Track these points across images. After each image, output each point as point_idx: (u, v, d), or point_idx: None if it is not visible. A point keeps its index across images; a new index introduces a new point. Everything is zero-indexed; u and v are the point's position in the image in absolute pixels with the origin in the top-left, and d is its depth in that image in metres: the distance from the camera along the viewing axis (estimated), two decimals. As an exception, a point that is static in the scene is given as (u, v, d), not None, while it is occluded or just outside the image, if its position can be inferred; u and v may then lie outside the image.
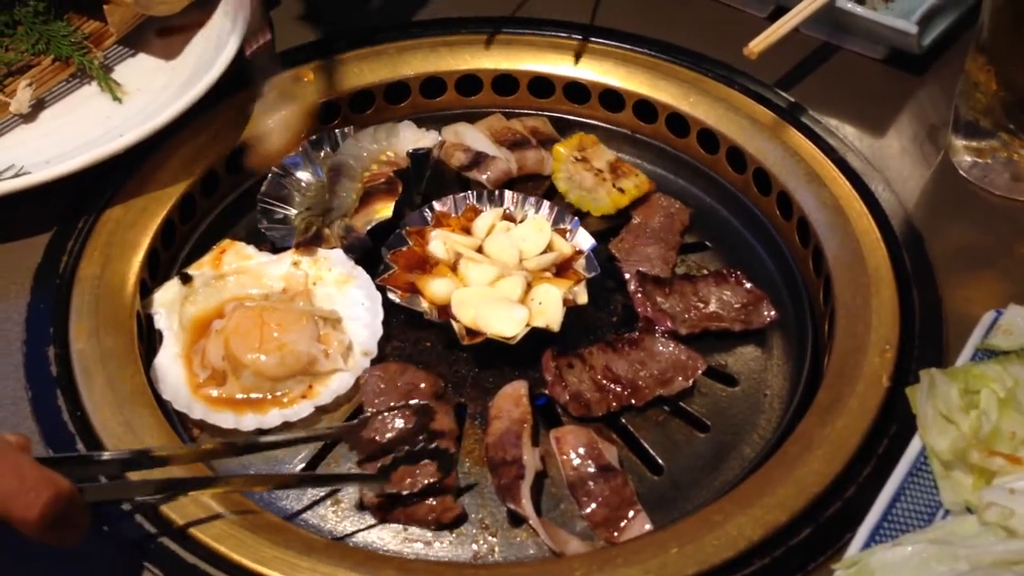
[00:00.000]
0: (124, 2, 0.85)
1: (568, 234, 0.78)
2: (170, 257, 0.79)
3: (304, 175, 0.84)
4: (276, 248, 0.79)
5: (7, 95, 0.83)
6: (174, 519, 0.59)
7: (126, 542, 0.58)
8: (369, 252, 0.78)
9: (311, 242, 0.78)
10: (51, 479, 0.50)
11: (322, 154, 0.85)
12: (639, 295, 0.75)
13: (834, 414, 0.64)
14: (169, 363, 0.72)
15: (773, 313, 0.75)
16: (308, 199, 0.83)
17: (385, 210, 0.79)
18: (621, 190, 0.82)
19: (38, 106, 0.84)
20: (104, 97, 0.86)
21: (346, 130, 0.85)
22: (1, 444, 0.50)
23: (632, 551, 0.58)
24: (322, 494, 0.65)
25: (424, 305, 0.73)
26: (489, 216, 0.79)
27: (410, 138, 0.84)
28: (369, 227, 0.78)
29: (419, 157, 0.81)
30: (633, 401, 0.69)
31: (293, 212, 0.82)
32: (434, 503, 0.63)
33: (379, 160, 0.82)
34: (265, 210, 0.81)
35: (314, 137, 0.85)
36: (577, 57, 0.92)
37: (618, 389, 0.70)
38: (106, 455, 0.59)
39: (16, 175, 0.75)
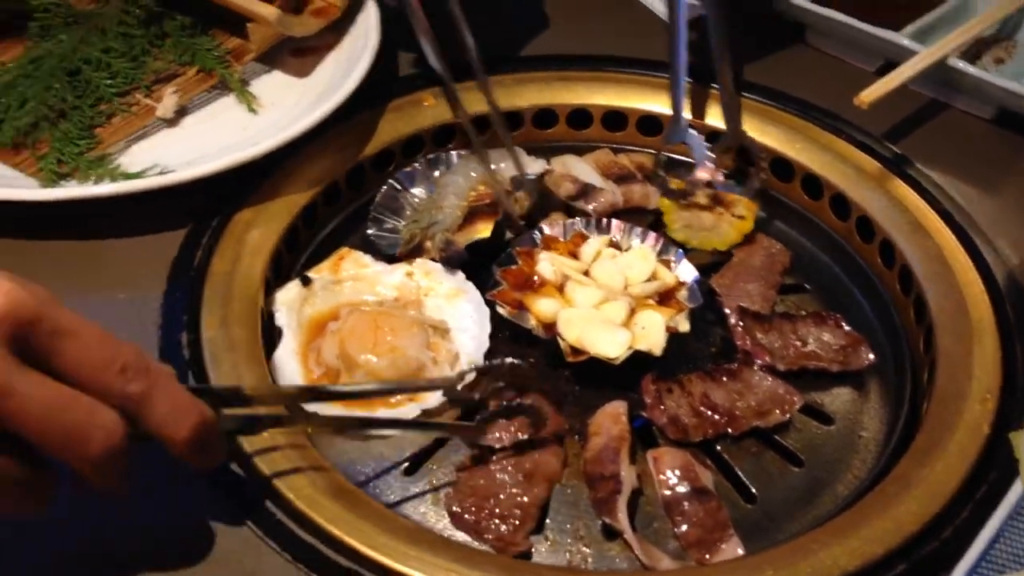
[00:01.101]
0: (265, 22, 0.91)
1: (672, 265, 0.80)
2: (292, 260, 0.84)
3: (418, 190, 0.88)
4: (384, 255, 0.83)
5: (154, 100, 0.88)
6: (291, 498, 0.62)
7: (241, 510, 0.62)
8: (467, 266, 0.81)
9: (412, 252, 0.82)
10: (198, 405, 0.55)
11: (437, 172, 0.89)
12: (739, 328, 0.77)
13: (932, 457, 0.65)
14: (287, 358, 0.75)
15: (872, 356, 0.76)
16: (418, 213, 0.87)
17: (485, 229, 0.82)
18: (741, 217, 0.85)
19: (181, 112, 0.89)
20: (240, 108, 0.91)
21: (461, 152, 0.90)
22: (156, 370, 0.54)
23: (725, 572, 0.60)
24: (425, 488, 0.68)
25: (532, 322, 0.76)
26: (596, 242, 0.82)
27: (517, 164, 0.88)
28: (468, 243, 0.82)
29: (524, 183, 0.85)
30: (729, 430, 0.71)
31: (401, 223, 0.86)
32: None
33: (486, 182, 0.86)
34: (376, 219, 0.86)
35: (432, 156, 0.89)
36: (687, 98, 0.95)
37: (715, 417, 0.71)
38: (247, 390, 0.62)
39: (160, 173, 0.80)
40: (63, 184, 0.80)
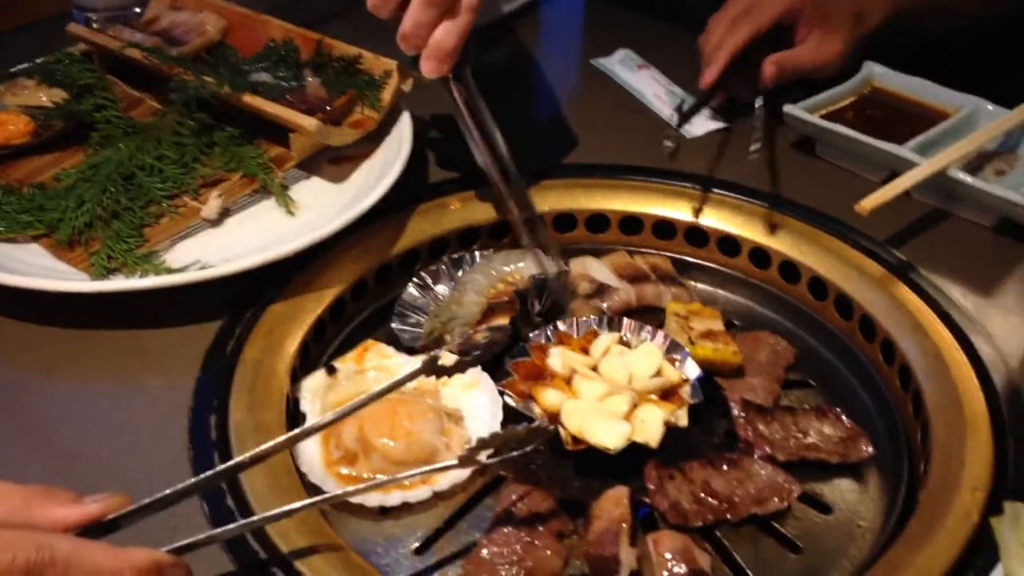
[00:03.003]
0: (307, 132, 0.98)
1: (677, 363, 0.84)
2: (320, 351, 0.89)
3: (441, 288, 0.94)
4: (404, 348, 0.88)
5: (200, 202, 0.96)
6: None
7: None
8: (488, 362, 0.85)
9: (432, 345, 0.87)
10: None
11: (460, 272, 0.95)
12: (741, 419, 0.80)
13: (923, 543, 0.67)
14: (309, 441, 0.80)
15: (871, 449, 0.79)
16: (440, 309, 0.92)
17: (503, 325, 0.87)
18: (691, 341, 0.85)
19: (224, 214, 0.97)
20: (279, 211, 0.98)
21: (485, 252, 0.95)
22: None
23: (716, 651, 0.62)
24: (435, 568, 0.72)
25: (537, 411, 0.80)
26: (606, 339, 0.86)
27: (535, 264, 0.93)
28: (484, 338, 0.86)
29: (540, 282, 0.90)
30: (729, 516, 0.74)
31: (424, 318, 0.92)
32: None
33: (505, 280, 0.92)
34: (401, 314, 0.92)
35: (456, 256, 0.95)
36: (699, 204, 1.00)
37: (715, 503, 0.74)
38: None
39: (201, 268, 0.87)
40: (111, 278, 0.87)
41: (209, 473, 0.66)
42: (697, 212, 1.00)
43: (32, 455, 0.75)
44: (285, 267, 0.89)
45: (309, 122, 0.98)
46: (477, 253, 0.96)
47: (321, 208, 0.99)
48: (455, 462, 0.67)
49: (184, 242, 0.94)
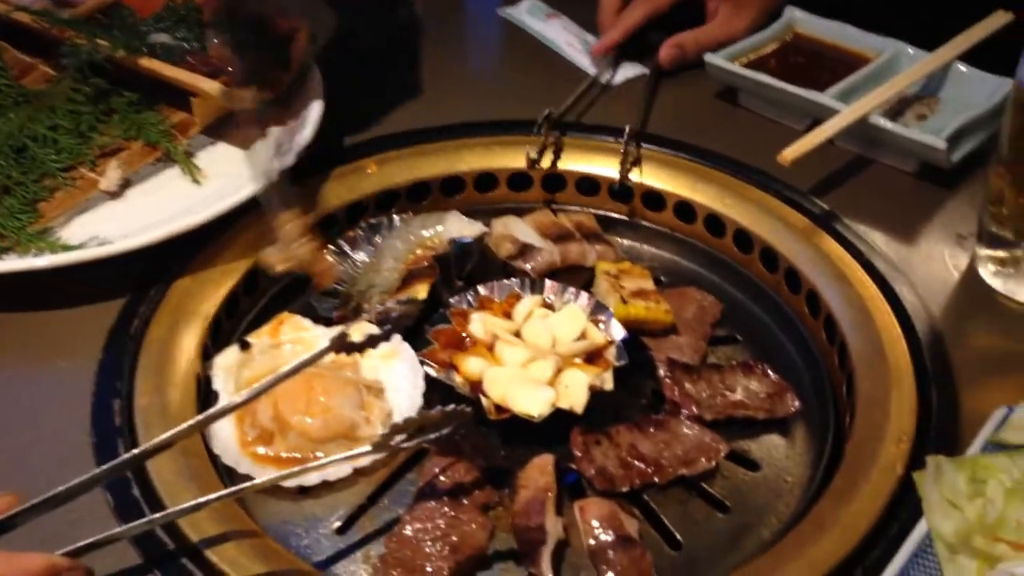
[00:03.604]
0: (209, 95, 0.94)
1: (602, 325, 0.82)
2: (232, 326, 0.85)
3: (360, 255, 0.91)
4: (322, 318, 0.85)
5: (98, 173, 0.91)
6: (216, 562, 0.63)
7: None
8: (408, 330, 0.83)
9: (350, 314, 0.84)
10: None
11: (378, 237, 0.91)
12: (668, 380, 0.78)
13: (848, 498, 0.66)
14: (222, 421, 0.76)
15: (797, 404, 0.78)
16: (358, 277, 0.89)
17: (421, 292, 0.85)
18: (623, 300, 0.83)
19: (125, 185, 0.92)
20: (184, 179, 0.93)
21: (403, 216, 0.92)
22: None
23: (644, 619, 0.61)
24: (357, 546, 0.70)
25: (458, 380, 0.77)
26: (528, 303, 0.84)
27: (456, 227, 0.90)
28: (395, 312, 0.83)
29: (461, 245, 0.87)
30: (656, 479, 0.72)
31: (343, 287, 0.88)
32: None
33: (424, 245, 0.89)
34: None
35: (373, 221, 0.92)
36: (622, 159, 0.98)
37: (642, 467, 0.73)
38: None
39: (100, 244, 0.82)
40: (3, 258, 0.82)
41: (112, 464, 0.63)
42: (621, 167, 0.98)
43: (-77, 450, 0.70)
44: (192, 240, 0.85)
45: (212, 85, 0.94)
46: (396, 217, 0.93)
47: (229, 176, 0.94)
48: (368, 449, 0.64)
49: (83, 217, 0.89)
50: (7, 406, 0.74)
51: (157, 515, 0.62)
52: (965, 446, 0.69)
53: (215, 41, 1.02)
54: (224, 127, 0.99)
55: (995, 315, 0.83)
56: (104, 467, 0.62)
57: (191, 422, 0.65)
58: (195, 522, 0.65)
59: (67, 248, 0.82)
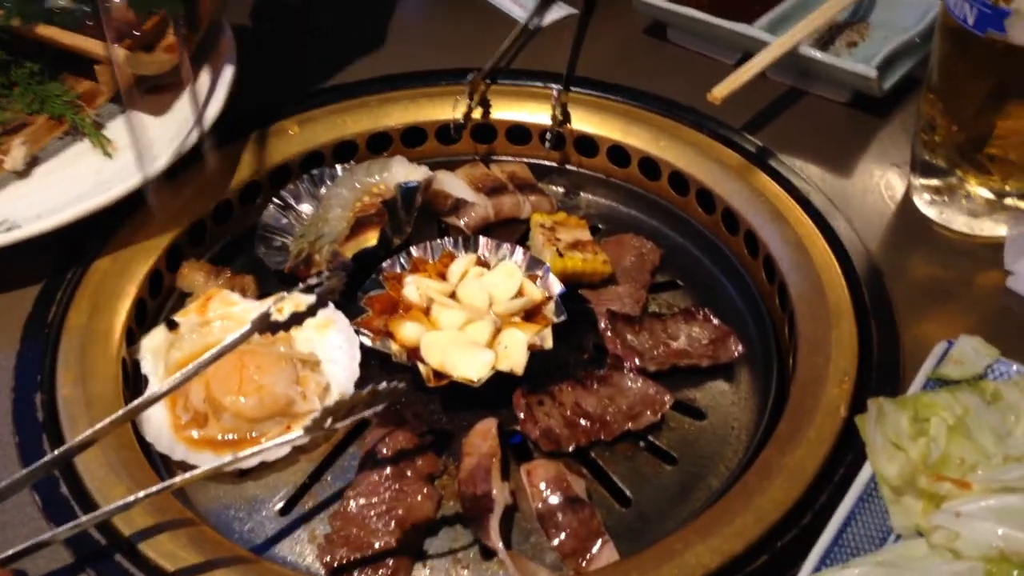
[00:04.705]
0: (115, 63, 0.88)
1: (539, 280, 0.80)
2: (157, 306, 0.82)
3: (304, 207, 0.88)
4: (275, 274, 0.83)
5: (2, 152, 0.86)
6: (151, 557, 0.61)
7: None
8: (353, 278, 0.80)
9: (302, 265, 0.82)
10: None
11: (322, 188, 0.89)
12: (609, 333, 0.77)
13: (793, 444, 0.66)
14: (154, 407, 0.74)
15: (740, 348, 0.77)
16: (305, 228, 0.86)
17: (372, 239, 0.82)
18: (560, 254, 0.81)
19: (32, 163, 0.87)
20: (96, 153, 0.89)
21: (345, 165, 0.89)
22: None
23: (596, 580, 0.60)
24: (300, 526, 0.68)
25: (394, 348, 0.75)
26: (463, 262, 0.82)
27: (401, 172, 0.88)
28: (355, 253, 0.81)
29: (408, 190, 0.85)
30: (602, 436, 0.71)
31: (290, 240, 0.86)
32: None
33: (371, 192, 0.86)
34: (264, 237, 0.86)
35: (315, 172, 0.89)
36: (553, 105, 0.95)
37: (587, 424, 0.72)
38: None
39: (8, 229, 0.78)
40: (-96, 249, 0.77)
41: (37, 464, 0.60)
42: (552, 113, 0.95)
43: None
44: (108, 218, 0.81)
45: (116, 51, 0.88)
46: (338, 167, 0.90)
47: (142, 147, 0.90)
48: (300, 434, 0.62)
49: (-12, 200, 0.84)
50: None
51: (88, 517, 0.59)
52: (907, 383, 0.69)
53: (117, 1, 0.96)
54: (133, 94, 0.94)
55: (932, 246, 0.82)
56: (29, 468, 0.59)
57: (118, 414, 0.62)
58: (128, 516, 0.62)
59: (-29, 235, 0.78)
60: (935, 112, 0.80)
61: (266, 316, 0.62)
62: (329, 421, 0.61)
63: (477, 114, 0.95)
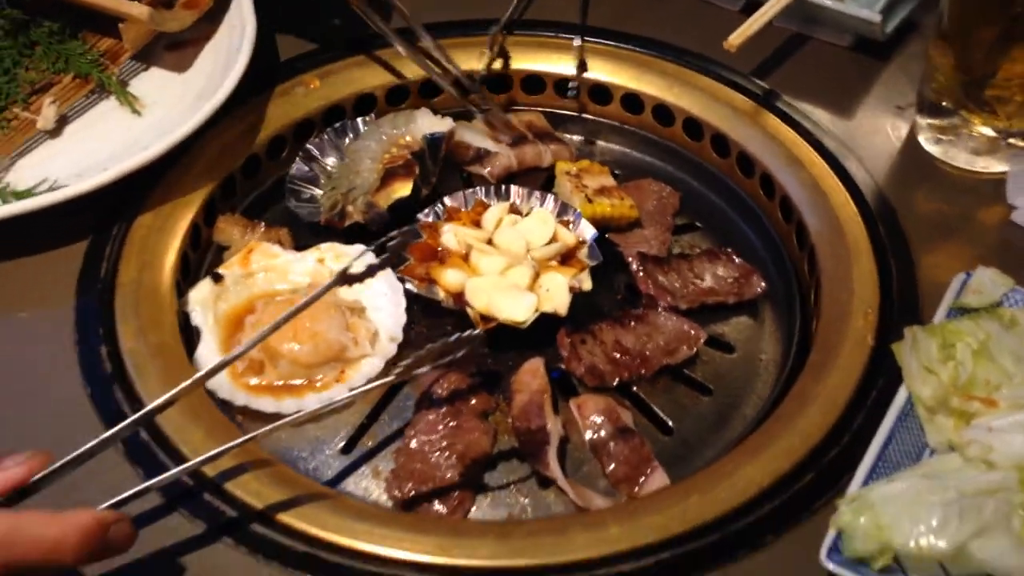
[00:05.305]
0: (137, 19, 0.89)
1: (571, 225, 0.84)
2: (199, 258, 0.84)
3: (330, 160, 0.90)
4: (307, 225, 0.86)
5: (33, 112, 0.87)
6: (238, 494, 0.64)
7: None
8: (389, 227, 0.82)
9: (336, 217, 0.84)
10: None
11: (346, 140, 0.91)
12: (641, 274, 0.81)
13: (826, 372, 0.71)
14: (209, 356, 0.76)
15: (763, 285, 0.82)
16: (334, 180, 0.89)
17: (404, 189, 0.85)
18: (589, 200, 0.85)
19: (61, 122, 0.88)
20: (124, 110, 0.90)
21: (367, 118, 0.92)
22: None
23: (655, 502, 0.65)
24: (363, 463, 0.72)
25: (440, 294, 0.78)
26: (497, 210, 0.85)
27: (426, 124, 0.91)
28: (389, 204, 0.84)
29: (435, 141, 0.88)
30: (643, 371, 0.76)
31: (319, 192, 0.88)
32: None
33: (398, 144, 0.89)
34: (293, 190, 0.88)
35: (338, 125, 0.91)
36: (567, 54, 0.98)
37: (628, 360, 0.76)
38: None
39: (51, 188, 0.80)
40: (-49, 211, 0.78)
41: (122, 425, 0.62)
42: (576, 63, 0.98)
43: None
44: (144, 175, 0.83)
45: (138, 8, 0.90)
46: (359, 120, 0.92)
47: (168, 102, 0.91)
48: (391, 378, 0.66)
49: (25, 159, 0.86)
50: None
51: (184, 466, 0.62)
52: (925, 313, 0.74)
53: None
54: (155, 50, 0.95)
55: (937, 182, 0.87)
56: (122, 424, 0.62)
57: (196, 377, 0.65)
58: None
59: (18, 195, 0.79)
60: (942, 55, 0.84)
61: (346, 270, 0.66)
62: (420, 367, 0.65)
63: (498, 65, 0.97)
